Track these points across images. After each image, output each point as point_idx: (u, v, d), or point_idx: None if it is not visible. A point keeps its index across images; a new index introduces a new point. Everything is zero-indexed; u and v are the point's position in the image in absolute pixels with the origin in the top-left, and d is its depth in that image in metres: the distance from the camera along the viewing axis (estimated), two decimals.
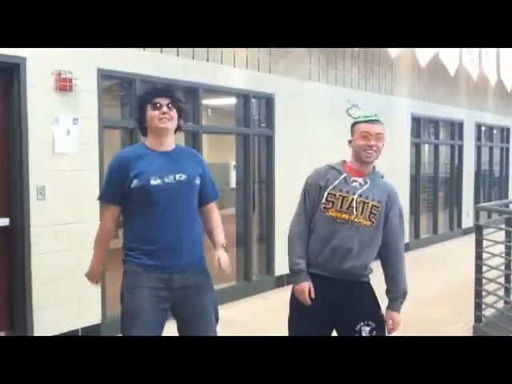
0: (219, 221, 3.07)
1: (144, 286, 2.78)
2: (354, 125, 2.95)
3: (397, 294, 2.92)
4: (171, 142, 2.93)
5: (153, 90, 2.97)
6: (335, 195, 2.85)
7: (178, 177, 2.82)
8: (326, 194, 2.86)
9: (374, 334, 2.83)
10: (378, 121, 2.92)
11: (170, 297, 2.81)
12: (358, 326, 2.82)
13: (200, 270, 2.91)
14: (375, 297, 2.94)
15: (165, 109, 2.83)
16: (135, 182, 2.79)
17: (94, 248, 3.02)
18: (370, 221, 2.84)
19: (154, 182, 2.78)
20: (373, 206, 2.84)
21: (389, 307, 2.93)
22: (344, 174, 2.89)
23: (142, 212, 2.83)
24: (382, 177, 3.01)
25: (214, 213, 3.07)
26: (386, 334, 2.93)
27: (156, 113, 2.83)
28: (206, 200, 2.99)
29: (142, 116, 2.90)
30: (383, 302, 2.98)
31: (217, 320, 2.97)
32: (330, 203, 2.85)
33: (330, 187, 2.87)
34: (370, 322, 2.84)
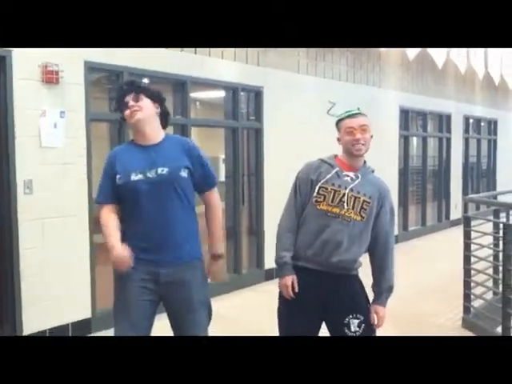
0: (213, 215, 2.98)
1: (132, 278, 2.78)
2: (338, 123, 2.95)
3: (383, 288, 2.92)
4: (156, 133, 2.88)
5: (118, 93, 2.95)
6: (327, 189, 2.84)
7: (159, 170, 2.78)
8: (317, 187, 2.85)
9: (362, 326, 2.83)
10: (360, 113, 2.91)
11: (157, 290, 2.80)
12: (347, 319, 2.82)
13: (189, 265, 2.85)
14: (364, 290, 2.94)
15: (131, 103, 2.83)
16: (118, 179, 2.80)
17: (105, 234, 2.83)
18: (361, 216, 2.83)
19: (135, 177, 2.77)
20: (364, 201, 2.84)
21: (374, 301, 2.93)
22: (336, 168, 2.89)
23: (129, 208, 2.83)
24: (373, 171, 3.00)
25: (210, 204, 2.97)
26: (374, 328, 2.92)
27: (127, 111, 2.84)
28: (198, 190, 2.93)
29: (123, 118, 2.92)
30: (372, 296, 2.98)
31: (209, 318, 2.93)
32: (322, 197, 2.84)
33: (322, 181, 2.86)
34: (358, 315, 2.83)
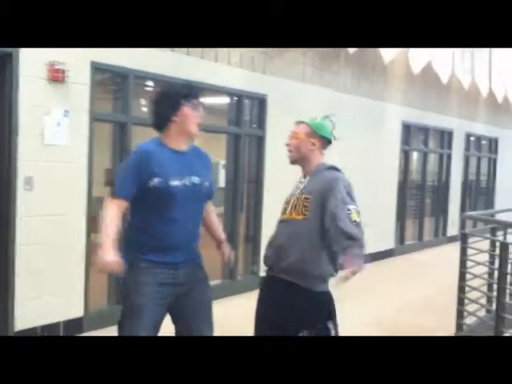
0: (215, 217, 3.21)
1: (150, 282, 2.78)
2: None
3: (341, 246, 2.71)
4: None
5: (192, 89, 2.91)
6: (285, 201, 3.03)
7: (194, 179, 2.85)
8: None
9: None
10: (302, 122, 3.06)
11: (173, 291, 2.84)
12: (301, 334, 2.77)
13: (199, 265, 3.00)
14: (319, 307, 2.85)
15: (202, 113, 2.88)
16: (155, 181, 2.74)
17: (104, 230, 2.72)
18: (303, 214, 2.86)
19: (174, 183, 2.78)
20: (304, 198, 2.88)
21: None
22: (298, 179, 3.06)
23: (157, 210, 2.79)
24: (334, 168, 2.98)
25: (210, 209, 3.15)
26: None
27: (196, 114, 2.84)
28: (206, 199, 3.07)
29: (171, 110, 2.81)
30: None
31: None
32: (282, 210, 3.03)
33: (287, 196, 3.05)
34: (305, 332, 2.77)
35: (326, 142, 3.03)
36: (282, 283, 2.87)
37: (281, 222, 3.00)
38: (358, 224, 2.72)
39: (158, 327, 2.84)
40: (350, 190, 2.82)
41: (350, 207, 2.74)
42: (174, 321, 2.93)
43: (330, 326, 2.85)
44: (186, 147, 2.91)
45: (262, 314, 2.98)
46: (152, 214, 2.80)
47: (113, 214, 2.74)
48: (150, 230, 2.80)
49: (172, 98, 2.83)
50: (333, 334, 2.84)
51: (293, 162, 3.06)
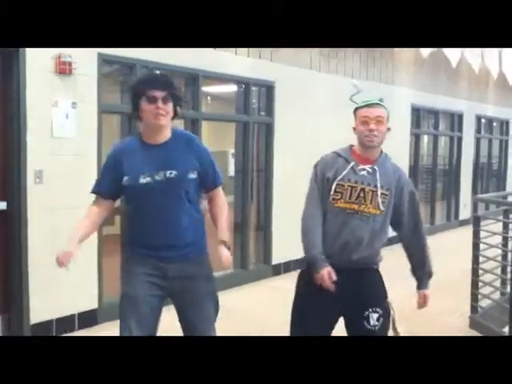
0: (221, 209, 2.96)
1: (139, 272, 2.81)
2: (355, 111, 2.89)
3: (425, 272, 2.99)
4: (167, 134, 2.82)
5: (148, 80, 2.81)
6: (344, 186, 2.80)
7: (168, 174, 2.74)
8: (334, 185, 2.81)
9: (381, 320, 2.82)
10: (378, 104, 2.84)
11: (165, 285, 2.81)
12: (367, 313, 2.81)
13: (197, 260, 2.87)
14: (383, 284, 2.93)
15: (160, 104, 2.68)
16: (125, 180, 2.77)
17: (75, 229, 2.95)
18: (380, 209, 2.81)
19: (144, 180, 2.74)
20: (382, 194, 2.80)
21: (420, 287, 3.00)
22: (352, 163, 2.83)
23: (135, 208, 2.84)
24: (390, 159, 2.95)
25: (217, 200, 2.96)
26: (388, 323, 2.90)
27: (151, 107, 2.69)
28: (206, 189, 2.93)
29: (135, 106, 2.78)
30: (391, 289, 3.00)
31: (216, 311, 2.94)
32: (339, 194, 2.81)
33: (339, 178, 2.81)
34: (377, 309, 2.83)
35: None
36: (348, 271, 2.81)
37: (350, 212, 2.80)
38: None
39: (151, 317, 2.80)
40: None
41: None
42: (178, 317, 2.92)
43: (390, 305, 2.92)
44: (163, 138, 2.79)
45: (322, 306, 2.82)
46: (134, 212, 2.86)
47: (91, 210, 2.91)
48: (134, 224, 2.87)
49: (132, 93, 2.81)
50: (392, 312, 2.90)
51: (371, 147, 2.84)
